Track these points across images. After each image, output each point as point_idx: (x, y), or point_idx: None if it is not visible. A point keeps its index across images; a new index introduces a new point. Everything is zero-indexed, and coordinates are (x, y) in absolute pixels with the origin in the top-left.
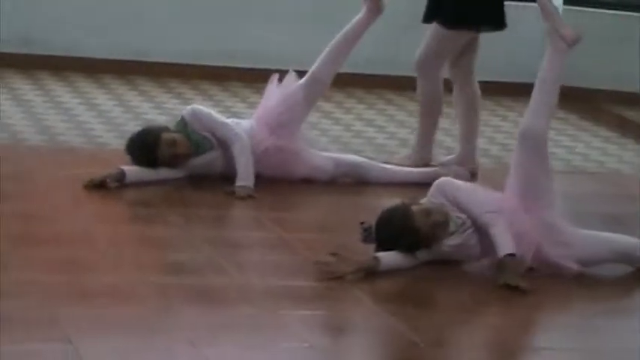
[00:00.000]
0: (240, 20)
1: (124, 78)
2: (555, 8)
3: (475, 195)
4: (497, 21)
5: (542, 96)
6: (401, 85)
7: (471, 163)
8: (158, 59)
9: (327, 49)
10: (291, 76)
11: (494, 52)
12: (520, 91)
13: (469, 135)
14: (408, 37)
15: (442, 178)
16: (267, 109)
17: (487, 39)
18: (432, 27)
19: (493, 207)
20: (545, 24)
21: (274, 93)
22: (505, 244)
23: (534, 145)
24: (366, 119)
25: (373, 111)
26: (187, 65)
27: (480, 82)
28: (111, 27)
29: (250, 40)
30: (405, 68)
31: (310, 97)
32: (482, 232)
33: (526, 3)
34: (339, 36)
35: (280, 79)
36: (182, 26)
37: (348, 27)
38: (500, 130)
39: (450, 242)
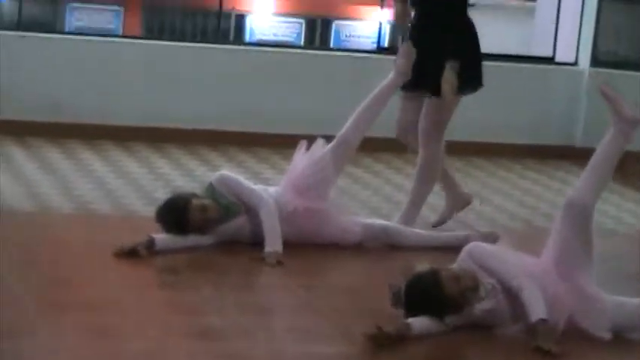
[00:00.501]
0: (267, 85)
1: (153, 145)
2: (615, 90)
3: (505, 259)
4: (480, 81)
5: (597, 170)
6: None
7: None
8: (186, 126)
9: (355, 113)
10: (319, 143)
11: (521, 114)
12: (548, 153)
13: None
14: None
15: (471, 243)
16: (295, 173)
17: (514, 100)
18: (425, 100)
19: (524, 271)
20: (607, 106)
21: (302, 158)
22: (537, 309)
23: (579, 217)
24: (394, 183)
25: (401, 175)
26: (216, 131)
27: (507, 144)
28: (138, 93)
29: (278, 105)
30: None
31: (338, 161)
32: (513, 296)
33: (556, 66)
34: (367, 100)
35: (308, 146)
36: (209, 92)
37: (375, 91)
38: (530, 193)
39: (481, 307)
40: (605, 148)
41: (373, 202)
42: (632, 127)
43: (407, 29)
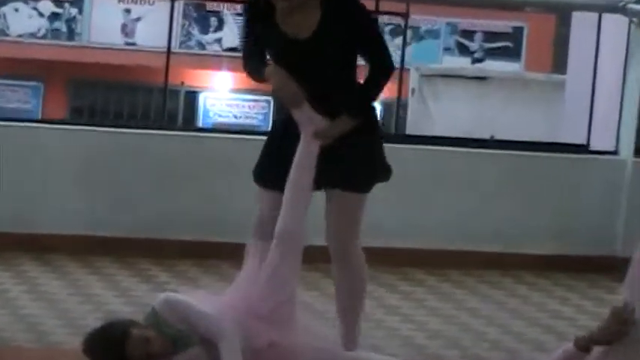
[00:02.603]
0: (224, 181)
1: (79, 258)
2: None
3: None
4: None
5: None
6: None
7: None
8: (120, 234)
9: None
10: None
11: (547, 216)
12: (581, 265)
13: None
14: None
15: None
16: (249, 292)
17: (538, 199)
18: (338, 201)
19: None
20: None
21: (251, 274)
22: None
23: None
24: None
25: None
26: (160, 240)
27: (529, 254)
28: (61, 194)
29: (236, 207)
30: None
31: (290, 261)
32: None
33: (591, 155)
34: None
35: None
36: (151, 190)
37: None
38: (559, 316)
39: None
40: None
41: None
42: None
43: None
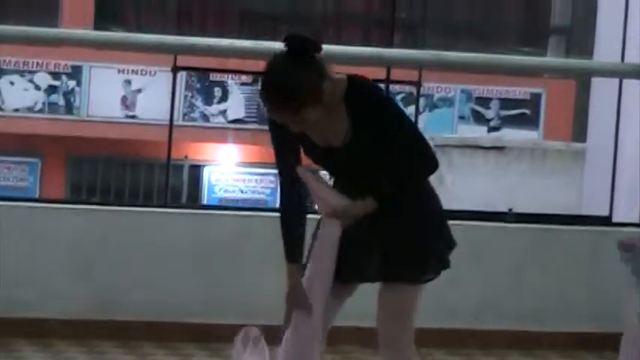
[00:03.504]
0: (231, 262)
1: (79, 341)
2: None
3: None
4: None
5: None
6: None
7: None
8: (123, 317)
9: None
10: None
11: (571, 292)
12: (609, 343)
13: None
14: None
15: None
16: None
17: (560, 274)
18: (389, 290)
19: None
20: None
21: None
22: None
23: None
24: None
25: None
26: (164, 323)
27: (552, 332)
28: (57, 273)
29: (247, 290)
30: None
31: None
32: None
33: (614, 228)
34: None
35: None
36: (154, 270)
37: None
38: None
39: None
40: None
41: None
42: None
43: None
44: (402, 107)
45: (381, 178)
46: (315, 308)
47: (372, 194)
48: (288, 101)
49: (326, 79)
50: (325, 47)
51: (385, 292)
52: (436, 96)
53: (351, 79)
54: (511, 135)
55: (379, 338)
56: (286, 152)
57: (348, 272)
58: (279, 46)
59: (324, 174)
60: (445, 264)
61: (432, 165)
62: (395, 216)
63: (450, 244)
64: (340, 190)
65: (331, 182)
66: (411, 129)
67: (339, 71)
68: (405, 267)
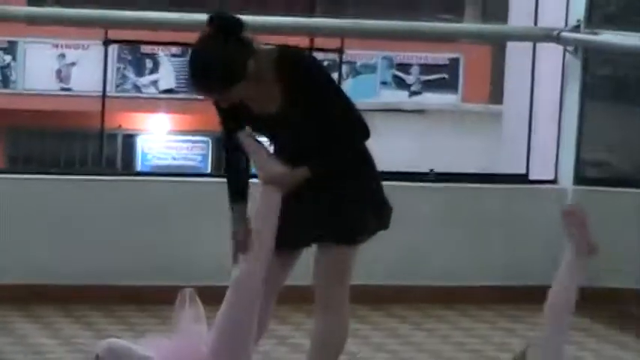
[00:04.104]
0: (164, 226)
1: (19, 306)
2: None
3: None
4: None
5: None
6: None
7: None
8: (60, 281)
9: None
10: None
11: (489, 248)
12: (527, 296)
13: None
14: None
15: None
16: (193, 339)
17: (479, 231)
18: (326, 251)
19: None
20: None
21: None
22: None
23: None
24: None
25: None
26: (101, 286)
27: (472, 286)
28: None
29: (180, 251)
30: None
31: (239, 307)
32: None
33: (531, 185)
34: None
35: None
36: (90, 236)
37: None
38: (503, 349)
39: None
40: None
41: None
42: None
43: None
44: (330, 75)
45: (315, 144)
46: (257, 268)
47: (308, 160)
48: (212, 85)
49: (252, 55)
50: (249, 18)
51: (322, 253)
52: (358, 63)
53: (281, 48)
54: (432, 99)
55: (315, 297)
56: (227, 119)
57: (288, 238)
58: (206, 17)
59: (264, 141)
60: (383, 225)
61: (364, 131)
62: (332, 180)
63: (387, 206)
64: (279, 156)
65: (271, 149)
66: (340, 96)
67: (268, 42)
68: (341, 228)
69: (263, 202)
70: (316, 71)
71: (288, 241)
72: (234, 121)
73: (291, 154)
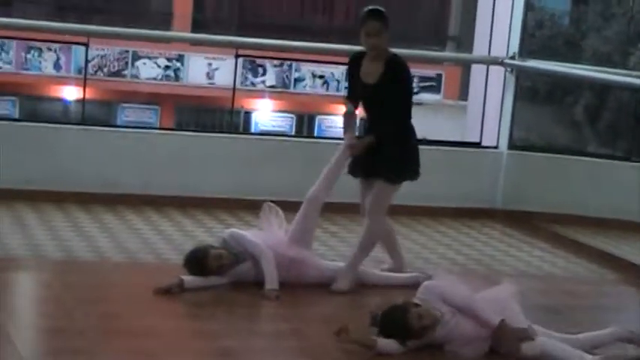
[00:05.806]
0: (267, 163)
1: (184, 210)
2: None
3: (456, 289)
4: (416, 174)
5: None
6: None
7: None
8: (207, 194)
9: (320, 176)
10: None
11: (457, 186)
12: (477, 214)
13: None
14: None
15: (427, 282)
16: (280, 232)
17: (452, 175)
18: (373, 184)
19: (472, 294)
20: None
21: (279, 221)
22: (492, 317)
23: None
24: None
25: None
26: (229, 199)
27: (446, 207)
28: (172, 170)
29: (274, 178)
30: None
31: (312, 216)
32: (467, 318)
33: (482, 149)
34: (328, 165)
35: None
36: (225, 169)
37: (333, 158)
38: (464, 244)
39: (437, 334)
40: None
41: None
42: None
43: (353, 125)
44: (412, 83)
45: (382, 113)
46: (322, 186)
47: (377, 126)
48: (384, 19)
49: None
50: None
51: (375, 185)
52: None
53: (394, 53)
54: (425, 97)
55: (362, 211)
56: (354, 86)
57: (363, 171)
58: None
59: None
60: (415, 176)
61: (408, 114)
62: (388, 140)
63: (417, 165)
64: (366, 115)
65: (364, 112)
66: (408, 92)
67: None
68: (385, 171)
69: (339, 155)
70: (406, 75)
71: (364, 172)
72: (354, 91)
73: (370, 115)
